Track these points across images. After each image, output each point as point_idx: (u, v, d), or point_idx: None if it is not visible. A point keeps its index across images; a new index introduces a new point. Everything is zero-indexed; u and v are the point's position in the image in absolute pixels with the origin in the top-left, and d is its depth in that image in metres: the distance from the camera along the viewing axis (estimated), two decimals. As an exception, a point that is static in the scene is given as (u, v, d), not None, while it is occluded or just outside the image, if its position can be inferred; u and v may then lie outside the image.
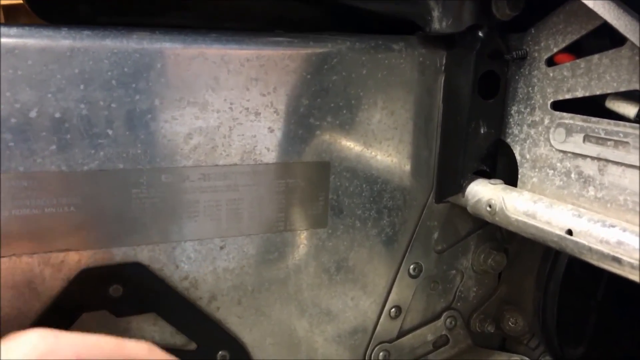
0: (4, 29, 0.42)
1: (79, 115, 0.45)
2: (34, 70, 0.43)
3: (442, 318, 0.66)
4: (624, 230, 0.43)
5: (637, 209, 0.45)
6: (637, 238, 0.42)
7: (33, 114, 0.44)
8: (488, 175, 0.59)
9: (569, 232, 0.46)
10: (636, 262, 0.41)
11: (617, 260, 0.42)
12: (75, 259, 0.48)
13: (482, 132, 0.57)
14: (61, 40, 0.44)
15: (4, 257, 0.45)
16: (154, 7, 0.56)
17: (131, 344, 0.41)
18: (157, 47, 0.47)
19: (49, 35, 0.44)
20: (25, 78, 0.43)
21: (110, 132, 0.46)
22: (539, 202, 0.50)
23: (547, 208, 0.49)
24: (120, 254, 0.49)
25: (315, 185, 0.56)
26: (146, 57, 0.46)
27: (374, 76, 0.55)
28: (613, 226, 0.44)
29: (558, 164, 0.52)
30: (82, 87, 0.45)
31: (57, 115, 0.44)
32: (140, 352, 0.41)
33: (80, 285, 0.48)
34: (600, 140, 0.47)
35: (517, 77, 0.56)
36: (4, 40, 0.42)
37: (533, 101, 0.54)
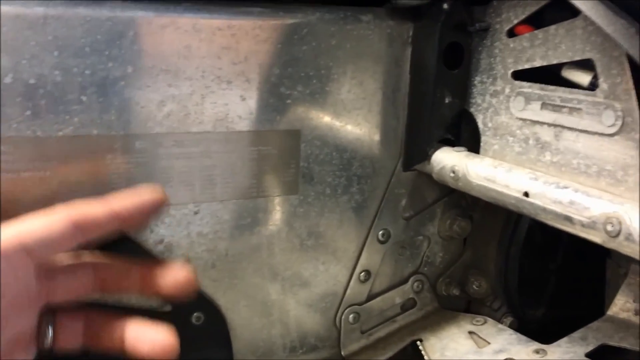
0: (-22, -3, 0.43)
1: (53, 82, 0.46)
2: (9, 36, 0.44)
3: (410, 282, 0.68)
4: (576, 191, 0.46)
5: (589, 171, 0.47)
6: (588, 198, 0.44)
7: (8, 79, 0.45)
8: (453, 143, 0.61)
9: (526, 194, 0.49)
10: (586, 220, 0.44)
11: (568, 219, 0.45)
12: (52, 223, 0.49)
13: (447, 101, 0.59)
14: (35, 8, 0.45)
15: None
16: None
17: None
18: (129, 15, 0.48)
19: (23, 2, 0.44)
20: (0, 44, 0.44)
21: (84, 98, 0.48)
22: (499, 167, 0.53)
23: (506, 173, 0.52)
24: (96, 218, 0.51)
25: (286, 153, 0.58)
26: (118, 25, 0.47)
27: (343, 47, 0.57)
28: (566, 187, 0.46)
29: (517, 131, 0.54)
30: (55, 53, 0.46)
31: (32, 81, 0.45)
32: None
33: (57, 248, 0.49)
34: (556, 108, 0.50)
35: (480, 49, 0.58)
36: (-22, 7, 0.43)
37: (495, 71, 0.56)
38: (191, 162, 0.53)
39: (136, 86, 0.49)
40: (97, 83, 0.48)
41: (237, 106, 0.54)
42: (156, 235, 0.53)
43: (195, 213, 0.55)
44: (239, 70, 0.53)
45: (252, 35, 0.53)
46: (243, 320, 0.60)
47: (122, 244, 0.52)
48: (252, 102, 0.54)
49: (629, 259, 0.60)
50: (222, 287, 0.58)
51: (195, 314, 0.56)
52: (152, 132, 0.51)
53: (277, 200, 0.59)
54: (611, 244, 0.42)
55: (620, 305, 0.61)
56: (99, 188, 0.50)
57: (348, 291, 0.65)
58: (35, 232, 0.42)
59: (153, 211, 0.48)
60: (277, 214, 0.59)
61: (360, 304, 0.66)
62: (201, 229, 0.55)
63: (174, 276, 0.47)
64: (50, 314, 0.45)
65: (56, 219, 0.43)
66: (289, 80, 0.55)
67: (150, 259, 0.49)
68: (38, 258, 0.42)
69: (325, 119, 0.59)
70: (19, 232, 0.41)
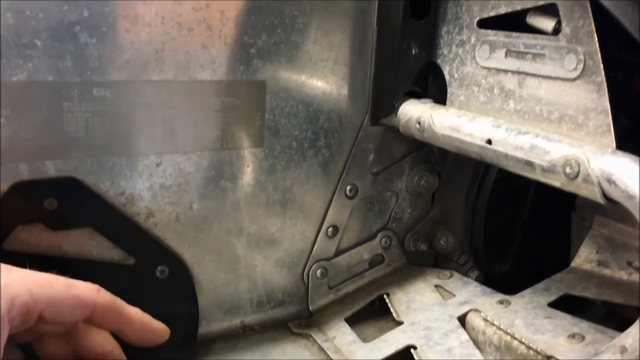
0: None
1: (6, 25, 0.45)
2: (-45, -25, 0.42)
3: (378, 238, 0.68)
4: (537, 136, 0.46)
5: (551, 117, 0.47)
6: (548, 142, 0.44)
7: (-44, 21, 0.43)
8: (420, 95, 0.61)
9: (489, 141, 0.49)
10: (546, 164, 0.44)
11: (529, 164, 0.45)
12: (8, 172, 0.48)
13: (413, 53, 0.59)
14: (-18, -55, 0.43)
15: None
16: None
17: (80, 284, 0.41)
18: (84, -44, 0.46)
19: (-31, -61, 0.43)
20: (-54, -17, 0.42)
21: (38, 43, 0.46)
22: (463, 116, 0.53)
23: (470, 121, 0.52)
24: (53, 168, 0.49)
25: (251, 104, 0.57)
26: (73, -34, 0.46)
27: (309, -4, 0.56)
28: (527, 133, 0.46)
29: (482, 81, 0.54)
30: (7, -5, 0.44)
31: (-18, 23, 0.44)
32: (89, 293, 0.42)
33: (13, 198, 0.48)
34: (520, 55, 0.50)
35: (446, -2, 0.57)
36: None
37: (461, 21, 0.56)
38: (152, 112, 0.52)
39: (92, 31, 0.48)
40: (51, 27, 0.46)
41: (199, 54, 0.53)
42: (117, 186, 0.52)
43: (158, 165, 0.54)
44: (200, 17, 0.52)
45: (214, -19, 0.52)
46: (209, 274, 0.60)
47: (81, 195, 0.51)
48: (214, 51, 0.53)
49: (593, 211, 0.61)
50: (186, 241, 0.57)
51: (159, 268, 0.56)
52: (110, 80, 0.49)
53: (242, 153, 0.58)
54: (570, 187, 0.42)
55: (583, 257, 0.62)
56: (56, 136, 0.49)
57: (316, 246, 0.65)
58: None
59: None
60: (242, 167, 0.58)
61: (328, 260, 0.66)
62: (164, 181, 0.55)
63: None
64: None
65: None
66: (253, 29, 0.54)
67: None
68: None
69: (290, 70, 0.58)
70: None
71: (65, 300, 0.40)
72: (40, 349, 0.44)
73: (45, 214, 0.49)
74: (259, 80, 0.56)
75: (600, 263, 0.61)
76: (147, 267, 0.55)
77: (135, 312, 0.45)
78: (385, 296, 0.65)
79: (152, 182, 0.54)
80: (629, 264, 0.58)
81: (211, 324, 0.61)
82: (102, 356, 0.45)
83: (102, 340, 0.45)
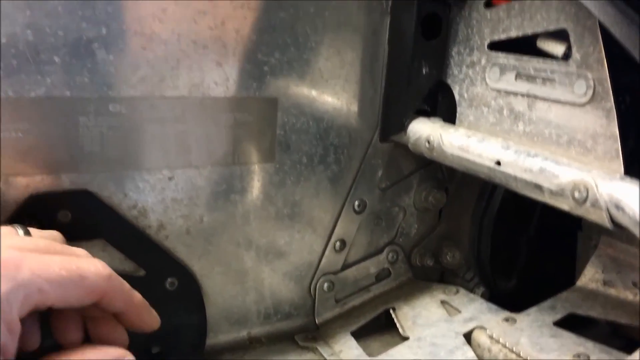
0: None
1: (26, 41, 0.46)
2: (-22, -7, 0.43)
3: (385, 252, 0.69)
4: (546, 159, 0.46)
5: (560, 140, 0.48)
6: (557, 166, 0.45)
7: (-22, 38, 0.44)
8: (429, 114, 0.61)
9: (498, 163, 0.50)
10: (555, 188, 0.44)
11: (538, 187, 0.46)
12: (24, 184, 0.49)
13: (424, 72, 0.59)
14: (5, -36, 0.44)
15: (-49, 180, 0.46)
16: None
17: (91, 273, 0.40)
18: (103, -25, 0.47)
19: (-7, -42, 0.44)
20: (-31, 1, 0.43)
21: (56, 59, 0.47)
22: (472, 137, 0.53)
23: (479, 142, 0.52)
24: (68, 181, 0.50)
25: (263, 121, 0.57)
26: (92, -15, 0.47)
27: (321, 15, 0.57)
28: (536, 156, 0.47)
29: (492, 102, 0.54)
30: (28, 12, 0.45)
31: (3, 40, 0.45)
32: (100, 281, 0.40)
33: (28, 209, 0.49)
34: (530, 78, 0.50)
35: (458, 19, 0.58)
36: (-55, -39, 0.42)
37: (472, 42, 0.56)
38: (166, 127, 0.53)
39: (110, 48, 0.49)
40: (70, 44, 0.47)
41: (213, 72, 0.53)
42: (130, 199, 0.53)
43: (170, 179, 0.55)
44: (216, 35, 0.53)
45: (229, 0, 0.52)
46: (217, 286, 0.60)
47: (95, 208, 0.52)
48: (228, 68, 0.54)
49: (599, 231, 0.62)
50: (196, 253, 0.58)
51: (169, 279, 0.57)
52: (126, 96, 0.50)
53: (253, 167, 0.59)
54: (578, 211, 0.43)
55: (589, 276, 0.62)
56: (72, 150, 0.49)
57: (323, 260, 0.65)
58: None
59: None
60: (253, 182, 0.59)
61: (335, 273, 0.66)
62: (176, 195, 0.55)
63: None
64: None
65: None
66: (266, 47, 0.55)
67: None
68: None
69: (302, 87, 0.59)
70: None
71: (76, 293, 0.40)
72: None
73: (59, 226, 0.50)
74: (271, 97, 0.57)
75: (605, 283, 0.61)
76: (157, 279, 0.56)
77: (138, 297, 0.45)
78: (391, 310, 0.65)
79: (164, 195, 0.55)
80: (634, 284, 0.59)
81: (219, 335, 0.62)
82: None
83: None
